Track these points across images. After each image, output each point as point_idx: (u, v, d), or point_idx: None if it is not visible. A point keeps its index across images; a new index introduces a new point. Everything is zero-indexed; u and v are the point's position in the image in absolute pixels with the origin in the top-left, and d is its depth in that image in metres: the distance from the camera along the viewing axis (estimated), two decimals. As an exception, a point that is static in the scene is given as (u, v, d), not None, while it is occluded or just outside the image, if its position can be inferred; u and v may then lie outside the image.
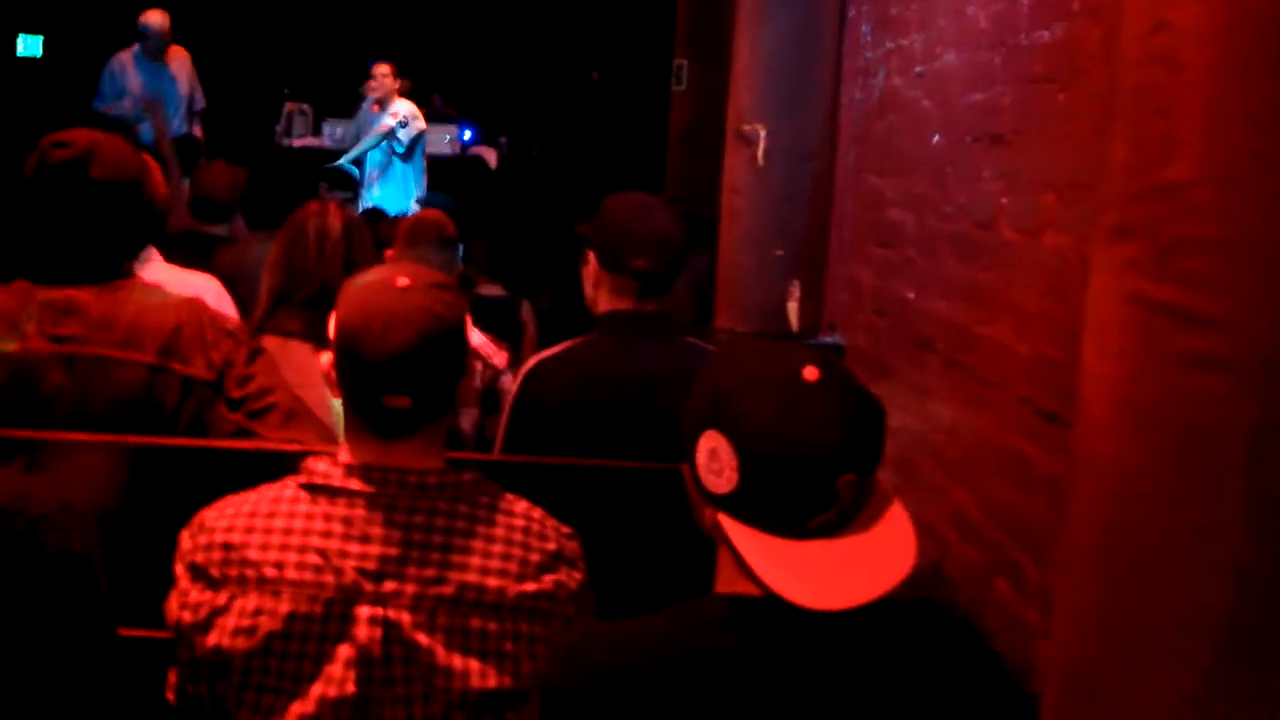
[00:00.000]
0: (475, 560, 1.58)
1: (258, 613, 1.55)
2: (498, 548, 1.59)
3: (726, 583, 1.39)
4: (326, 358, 1.65)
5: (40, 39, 9.05)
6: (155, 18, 6.50)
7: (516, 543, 1.60)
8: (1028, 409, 2.18)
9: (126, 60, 6.56)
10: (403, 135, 6.99)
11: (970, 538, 2.44)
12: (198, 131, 6.69)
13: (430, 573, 1.56)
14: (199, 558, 1.59)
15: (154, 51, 6.51)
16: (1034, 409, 2.15)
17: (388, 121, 6.99)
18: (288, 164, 7.37)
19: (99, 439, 1.99)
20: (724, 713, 1.29)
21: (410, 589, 1.56)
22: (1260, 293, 0.92)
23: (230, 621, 1.55)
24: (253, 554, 1.56)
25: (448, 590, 1.56)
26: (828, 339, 3.55)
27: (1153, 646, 1.05)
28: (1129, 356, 0.99)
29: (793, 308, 3.48)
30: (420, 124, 7.17)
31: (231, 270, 3.99)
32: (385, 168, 7.04)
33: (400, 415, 1.60)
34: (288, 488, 1.63)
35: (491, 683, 1.56)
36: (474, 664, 1.55)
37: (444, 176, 7.57)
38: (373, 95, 7.18)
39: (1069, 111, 2.07)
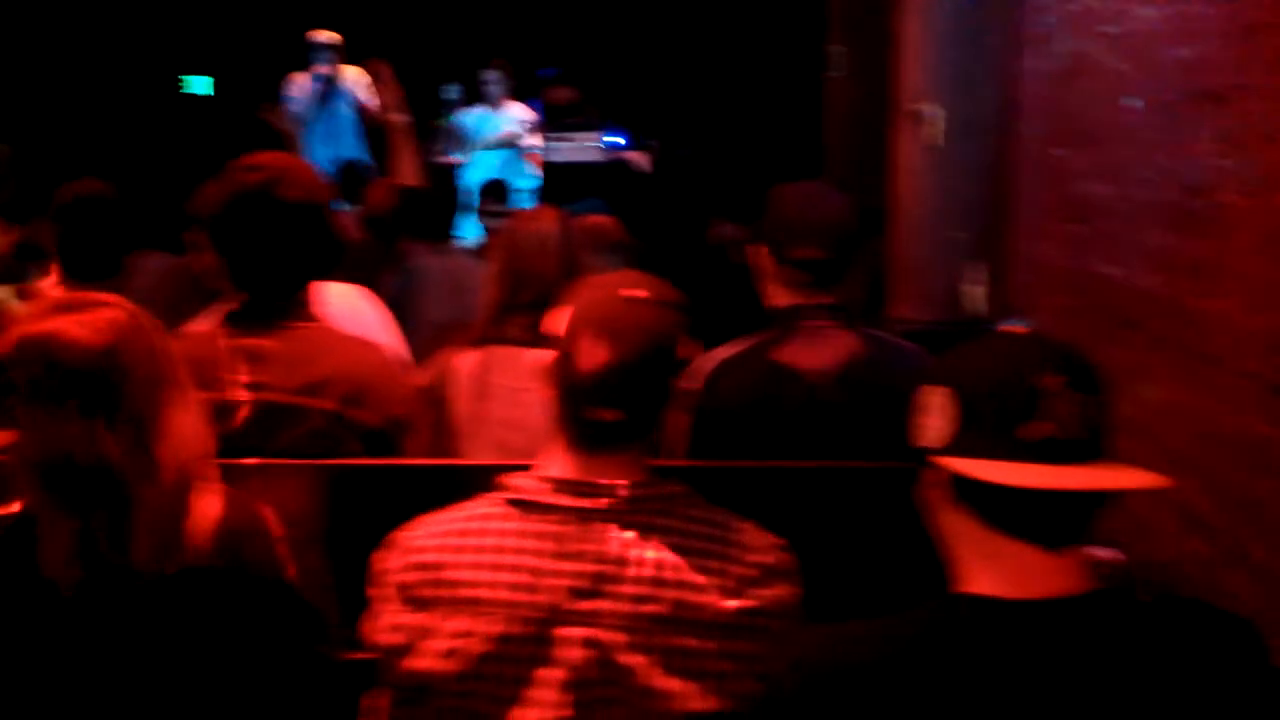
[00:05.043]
0: (687, 577, 1.49)
1: (468, 634, 1.49)
2: (711, 563, 1.50)
3: (964, 581, 1.29)
4: (550, 355, 1.60)
5: (210, 80, 9.33)
6: (322, 34, 6.38)
7: (731, 558, 1.51)
8: (1259, 385, 1.99)
9: (299, 80, 6.51)
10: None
11: (1195, 529, 2.26)
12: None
13: (643, 590, 1.48)
14: (406, 578, 1.53)
15: (325, 67, 6.46)
16: (1266, 384, 1.97)
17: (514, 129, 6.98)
18: (442, 181, 7.44)
19: (303, 463, 1.99)
20: (962, 716, 1.18)
21: (623, 608, 1.48)
22: None
23: (440, 644, 1.50)
24: (463, 574, 1.50)
25: (661, 609, 1.48)
26: (1012, 323, 3.37)
27: None
28: None
29: (974, 292, 3.31)
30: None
31: (396, 287, 4.05)
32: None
33: (608, 429, 1.53)
34: (493, 504, 1.57)
35: (706, 704, 1.47)
36: (689, 685, 1.47)
37: (596, 183, 7.54)
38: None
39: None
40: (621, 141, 8.92)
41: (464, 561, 1.51)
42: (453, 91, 7.17)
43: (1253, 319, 2.01)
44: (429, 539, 1.54)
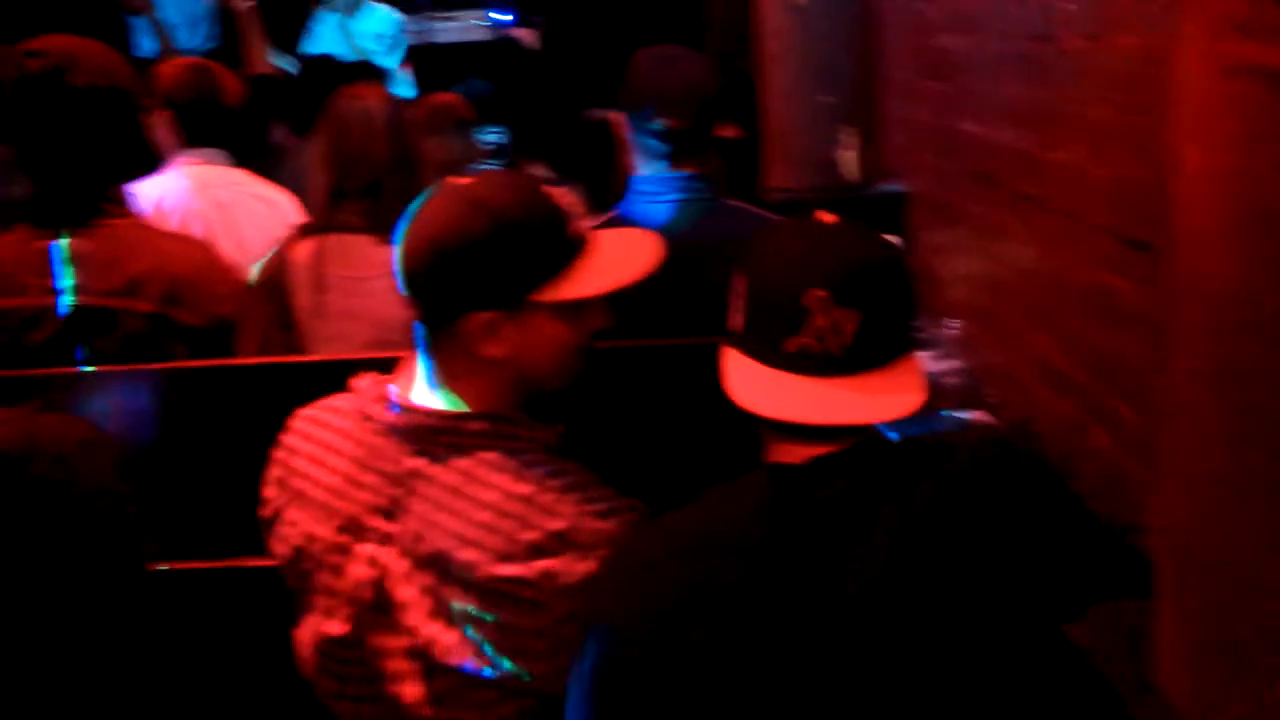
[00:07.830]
0: (454, 525, 1.37)
1: (293, 525, 1.50)
2: (484, 516, 1.36)
3: (767, 453, 1.33)
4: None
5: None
6: None
7: (510, 514, 1.36)
8: (1109, 238, 1.94)
9: None
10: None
11: (1058, 387, 2.23)
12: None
13: (416, 527, 1.40)
14: (277, 454, 1.56)
15: None
16: (1117, 237, 1.92)
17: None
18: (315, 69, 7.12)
19: (125, 369, 1.90)
20: (764, 588, 1.20)
21: (405, 539, 1.42)
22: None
23: (280, 528, 1.52)
24: (302, 465, 1.50)
25: (424, 550, 1.39)
26: (889, 187, 3.30)
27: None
28: (1236, 145, 0.76)
29: (848, 157, 3.23)
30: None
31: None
32: None
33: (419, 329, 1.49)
34: (346, 400, 1.55)
35: (464, 659, 1.37)
36: (451, 635, 1.38)
37: (482, 62, 7.31)
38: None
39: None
40: (508, 18, 8.63)
41: (305, 452, 1.50)
42: None
43: (1099, 169, 1.95)
44: (297, 422, 1.54)
